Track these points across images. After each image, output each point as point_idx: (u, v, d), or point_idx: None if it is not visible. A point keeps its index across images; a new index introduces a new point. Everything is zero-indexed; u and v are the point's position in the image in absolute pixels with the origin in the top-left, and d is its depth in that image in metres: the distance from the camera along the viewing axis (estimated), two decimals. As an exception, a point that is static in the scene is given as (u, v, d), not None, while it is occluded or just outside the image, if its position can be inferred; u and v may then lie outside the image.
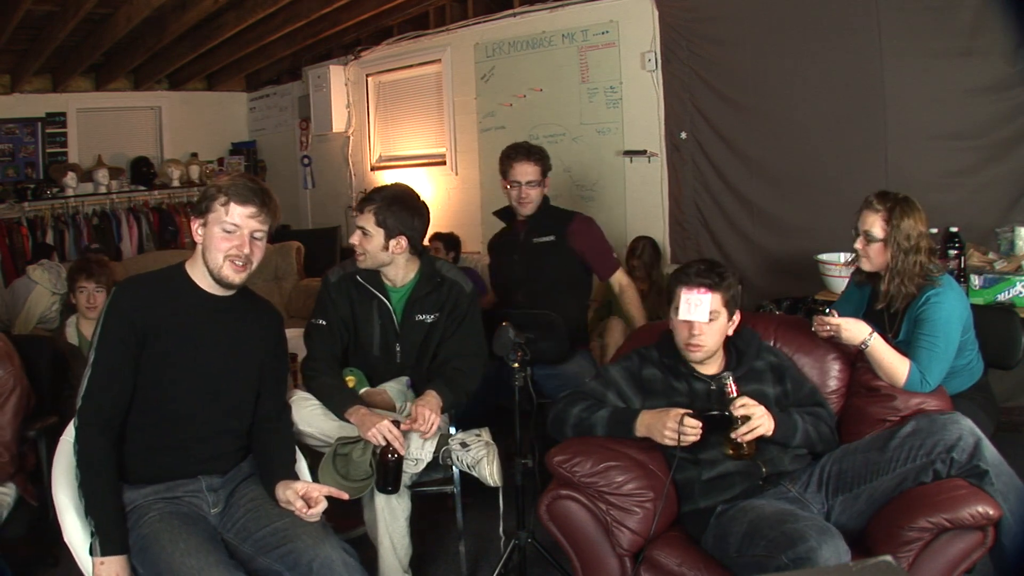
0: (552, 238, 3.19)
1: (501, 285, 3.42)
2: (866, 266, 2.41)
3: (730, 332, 2.14)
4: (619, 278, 3.26)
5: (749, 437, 1.95)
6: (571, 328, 3.13)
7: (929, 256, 2.31)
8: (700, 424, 1.95)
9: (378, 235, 2.49)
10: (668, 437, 1.97)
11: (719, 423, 1.95)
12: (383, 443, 2.21)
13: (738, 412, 1.94)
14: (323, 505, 1.90)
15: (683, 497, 2.07)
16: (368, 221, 2.49)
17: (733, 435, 1.95)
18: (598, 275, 3.27)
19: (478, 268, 4.93)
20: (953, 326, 2.24)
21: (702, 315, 2.04)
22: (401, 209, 2.50)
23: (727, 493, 2.00)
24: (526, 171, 3.15)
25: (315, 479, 2.15)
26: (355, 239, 2.52)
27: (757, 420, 1.95)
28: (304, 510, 1.88)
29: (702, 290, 2.05)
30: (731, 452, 1.98)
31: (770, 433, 1.97)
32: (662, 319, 3.85)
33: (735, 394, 1.97)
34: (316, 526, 1.89)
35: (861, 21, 3.66)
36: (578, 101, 4.81)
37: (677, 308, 2.09)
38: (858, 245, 2.39)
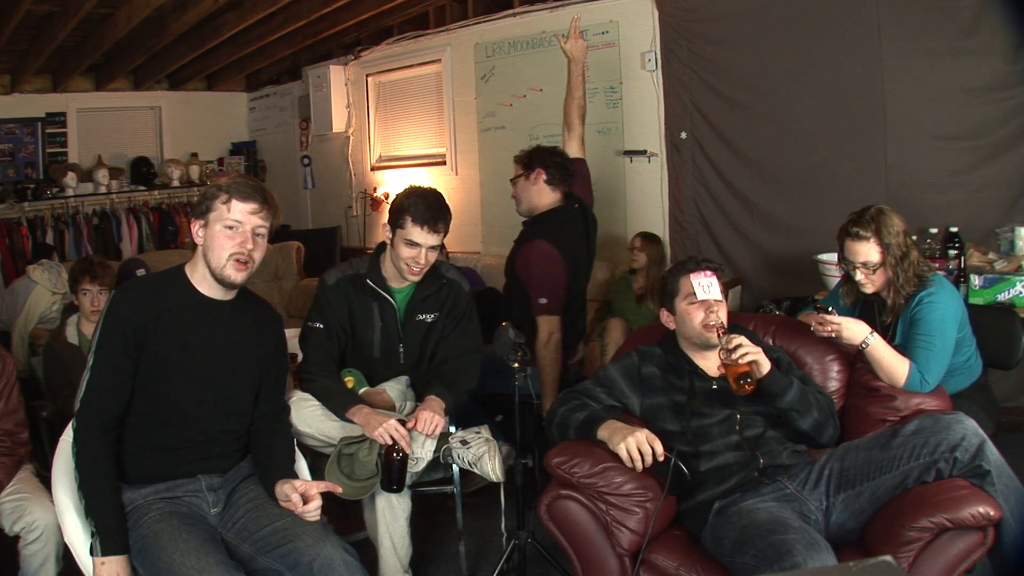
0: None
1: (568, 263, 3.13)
2: (869, 289, 2.36)
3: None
4: None
5: (746, 359, 1.96)
6: None
7: (919, 251, 2.33)
8: (655, 453, 1.96)
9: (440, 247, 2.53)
10: (624, 456, 1.97)
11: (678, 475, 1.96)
12: (389, 442, 2.22)
13: (732, 345, 1.97)
14: (318, 502, 1.90)
15: (680, 491, 2.07)
16: (440, 237, 2.48)
17: (734, 357, 1.96)
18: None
19: (478, 268, 4.92)
20: (948, 324, 2.24)
21: (717, 292, 2.14)
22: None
23: (723, 485, 2.00)
24: None
25: (318, 480, 2.14)
26: (419, 256, 2.45)
27: (751, 347, 1.97)
28: (300, 505, 1.88)
29: (708, 273, 2.16)
30: (733, 386, 1.98)
31: (765, 368, 2.00)
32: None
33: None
34: (316, 526, 1.88)
35: (861, 21, 3.66)
36: (578, 101, 4.79)
37: (688, 295, 2.15)
38: (860, 277, 2.34)
